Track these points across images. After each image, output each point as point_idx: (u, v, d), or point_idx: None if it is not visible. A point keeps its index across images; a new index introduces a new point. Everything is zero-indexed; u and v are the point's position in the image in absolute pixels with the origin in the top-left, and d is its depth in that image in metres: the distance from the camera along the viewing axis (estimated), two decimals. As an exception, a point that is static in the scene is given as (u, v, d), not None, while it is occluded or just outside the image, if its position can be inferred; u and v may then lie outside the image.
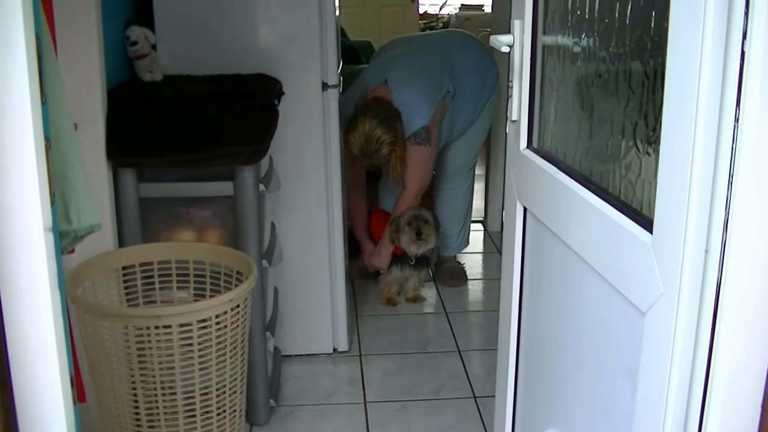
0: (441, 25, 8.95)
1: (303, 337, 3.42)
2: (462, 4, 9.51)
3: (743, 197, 1.18)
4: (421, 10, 9.33)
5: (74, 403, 1.27)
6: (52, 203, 1.26)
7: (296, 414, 3.02)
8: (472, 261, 4.60)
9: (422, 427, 2.94)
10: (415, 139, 3.67)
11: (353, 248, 3.94)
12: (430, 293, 4.13)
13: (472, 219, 5.16)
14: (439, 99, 3.69)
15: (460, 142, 4.02)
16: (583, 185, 1.68)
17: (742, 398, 1.26)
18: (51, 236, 1.24)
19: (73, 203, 1.82)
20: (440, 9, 9.73)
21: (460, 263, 4.37)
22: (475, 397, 3.12)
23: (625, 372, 1.50)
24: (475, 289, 4.23)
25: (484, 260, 4.70)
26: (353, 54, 6.45)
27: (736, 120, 1.17)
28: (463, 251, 4.45)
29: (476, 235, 5.02)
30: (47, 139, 1.27)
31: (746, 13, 1.13)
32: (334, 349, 3.48)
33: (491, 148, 4.91)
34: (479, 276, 4.40)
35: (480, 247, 4.88)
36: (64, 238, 1.84)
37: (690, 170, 1.22)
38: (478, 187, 5.37)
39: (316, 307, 3.40)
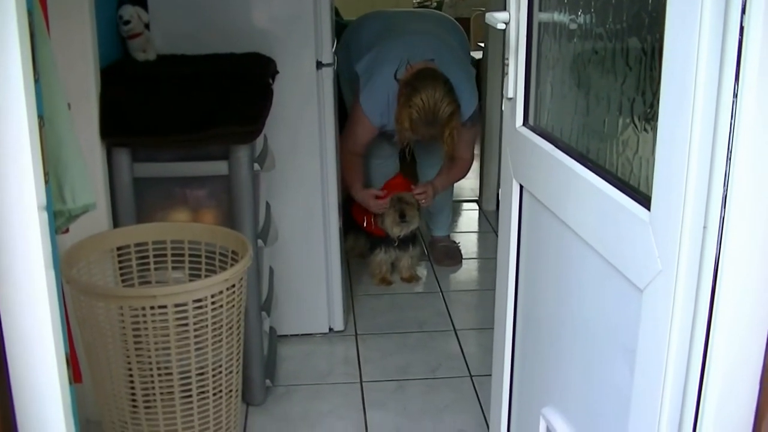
0: (435, 4, 8.90)
1: (299, 316, 3.42)
2: (456, -17, 9.45)
3: (742, 173, 1.18)
4: (416, -10, 9.26)
5: (70, 383, 1.27)
6: (46, 182, 1.25)
7: (292, 394, 3.02)
8: (467, 240, 4.60)
9: (418, 406, 2.94)
10: (471, 122, 3.74)
11: (347, 226, 3.93)
12: (425, 273, 4.12)
13: (468, 198, 5.17)
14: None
15: None
16: (580, 163, 1.67)
17: (740, 375, 1.26)
18: (45, 215, 1.23)
19: (68, 182, 1.81)
20: (434, -12, 9.67)
21: (455, 242, 4.37)
22: (471, 376, 3.13)
23: (623, 350, 1.50)
24: (470, 268, 4.23)
25: (479, 239, 4.70)
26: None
27: (735, 96, 1.16)
28: (457, 230, 4.45)
29: (471, 214, 5.02)
30: (41, 117, 1.26)
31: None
32: (330, 329, 3.48)
33: (486, 127, 4.89)
34: (474, 255, 4.40)
35: (475, 227, 4.88)
36: (59, 217, 1.83)
37: (688, 146, 1.21)
38: (473, 166, 5.37)
39: (311, 286, 3.39)
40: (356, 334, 3.48)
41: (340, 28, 6.71)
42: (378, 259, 3.95)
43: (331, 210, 3.32)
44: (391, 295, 3.87)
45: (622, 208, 1.45)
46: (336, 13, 7.06)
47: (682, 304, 1.29)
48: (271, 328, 3.26)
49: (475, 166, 5.21)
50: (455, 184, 4.35)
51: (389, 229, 3.86)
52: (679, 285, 1.28)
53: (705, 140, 1.20)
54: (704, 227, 1.24)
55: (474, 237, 4.74)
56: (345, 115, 3.84)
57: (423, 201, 3.89)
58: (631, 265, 1.43)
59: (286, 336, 3.41)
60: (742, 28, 1.14)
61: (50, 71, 1.71)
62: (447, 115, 3.51)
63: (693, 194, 1.23)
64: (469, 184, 5.38)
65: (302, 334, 3.44)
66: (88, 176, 1.89)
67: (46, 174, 1.24)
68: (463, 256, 4.29)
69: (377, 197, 3.86)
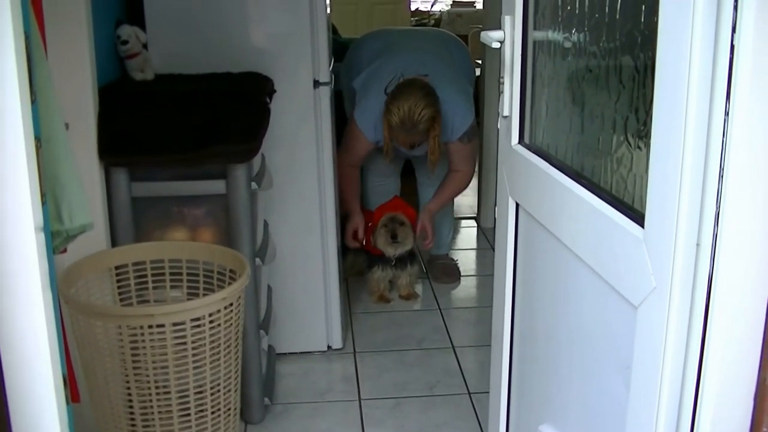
0: (433, 22, 8.94)
1: (297, 334, 3.42)
2: (453, 1, 9.50)
3: (734, 190, 1.19)
4: (413, 7, 9.32)
5: (67, 402, 1.27)
6: (43, 203, 1.25)
7: (291, 412, 3.02)
8: (466, 257, 4.60)
9: (417, 423, 2.94)
10: (467, 138, 3.74)
11: (344, 245, 3.94)
12: (423, 290, 4.12)
13: (466, 216, 5.17)
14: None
15: None
16: (575, 180, 1.68)
17: (734, 391, 1.26)
18: (42, 236, 1.24)
19: (65, 203, 1.82)
20: (432, 6, 9.73)
21: (453, 260, 4.37)
22: (469, 393, 3.12)
23: (619, 367, 1.50)
24: (468, 285, 4.24)
25: (478, 256, 4.70)
26: (345, 52, 6.44)
27: (726, 113, 1.17)
28: (456, 248, 4.45)
29: (469, 232, 5.03)
30: (37, 138, 1.27)
31: (735, 7, 1.13)
32: (329, 347, 3.47)
33: (483, 144, 4.91)
34: (473, 272, 4.40)
35: (473, 244, 4.88)
36: (56, 237, 1.84)
37: (681, 164, 1.22)
38: (471, 184, 5.38)
39: (309, 304, 3.39)
40: (355, 351, 3.48)
41: (338, 46, 6.72)
42: (375, 277, 3.95)
43: (329, 228, 3.33)
44: (390, 313, 3.87)
45: (617, 225, 1.46)
46: (334, 31, 7.10)
47: (676, 320, 1.29)
48: (270, 346, 3.26)
49: (474, 183, 5.22)
50: (455, 201, 4.36)
51: (383, 248, 3.87)
52: (673, 302, 1.29)
53: (697, 157, 1.21)
54: (697, 244, 1.25)
55: (473, 254, 4.74)
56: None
57: (426, 242, 3.96)
58: (625, 283, 1.44)
59: (284, 354, 3.41)
60: (732, 47, 1.15)
61: (47, 92, 1.72)
62: (425, 120, 3.53)
63: (686, 211, 1.24)
64: (467, 201, 5.39)
65: (301, 352, 3.44)
66: (85, 196, 1.90)
67: (42, 195, 1.25)
68: (462, 273, 4.30)
69: (355, 232, 3.93)
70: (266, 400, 2.95)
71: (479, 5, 8.43)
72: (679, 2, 1.20)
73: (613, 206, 1.51)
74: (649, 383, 1.36)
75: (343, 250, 3.91)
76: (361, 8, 8.59)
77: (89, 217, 1.90)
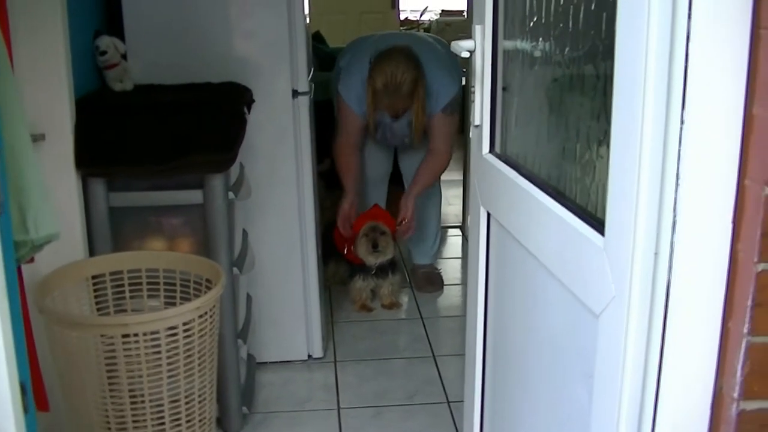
0: (422, 31, 8.96)
1: (277, 344, 3.42)
2: (442, 10, 9.52)
3: (689, 199, 1.19)
4: (402, 17, 9.33)
5: (26, 411, 1.27)
6: (1, 213, 1.26)
7: (270, 421, 3.02)
8: (450, 266, 4.61)
9: (395, 431, 2.94)
10: (450, 110, 3.76)
11: (327, 253, 3.94)
12: (406, 299, 4.13)
13: (452, 224, 5.19)
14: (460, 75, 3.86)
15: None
16: (541, 189, 1.69)
17: (691, 400, 1.27)
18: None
19: (30, 213, 1.82)
20: (421, 15, 9.74)
21: (436, 269, 4.38)
22: (448, 402, 3.13)
23: (584, 376, 1.51)
24: (451, 294, 4.24)
25: (463, 266, 4.70)
26: (330, 61, 6.44)
27: (683, 122, 1.18)
28: (441, 257, 4.46)
29: (454, 240, 5.04)
30: (-5, 148, 1.27)
31: (689, 16, 1.14)
32: (309, 356, 3.48)
33: (468, 153, 4.92)
34: (457, 281, 4.40)
35: (458, 253, 4.89)
36: (22, 247, 1.84)
37: (638, 172, 1.23)
38: (456, 193, 5.39)
39: (290, 314, 3.40)
40: (335, 360, 3.48)
41: (325, 55, 6.73)
42: (357, 286, 3.96)
43: (309, 238, 3.33)
44: (372, 322, 3.87)
45: (579, 234, 1.46)
46: (321, 40, 7.09)
47: (635, 329, 1.30)
48: (250, 356, 3.26)
49: (458, 192, 5.24)
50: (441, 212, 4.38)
51: (363, 257, 3.88)
52: (632, 310, 1.29)
53: (654, 166, 1.21)
54: (655, 253, 1.25)
55: (457, 263, 4.74)
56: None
57: (407, 229, 3.91)
58: (588, 291, 1.44)
59: (265, 363, 3.41)
60: (687, 55, 1.15)
61: (12, 103, 1.72)
62: (408, 82, 3.55)
63: (644, 220, 1.24)
64: (453, 210, 5.40)
65: (281, 362, 3.44)
66: (52, 206, 1.90)
67: (0, 204, 1.25)
68: (445, 282, 4.30)
69: (346, 218, 3.91)
70: (244, 409, 2.95)
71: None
72: (635, 11, 1.20)
73: (576, 215, 1.51)
74: (609, 393, 1.37)
75: (325, 259, 3.92)
76: (350, 18, 8.61)
77: (55, 227, 1.90)
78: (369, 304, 4.00)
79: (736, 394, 1.21)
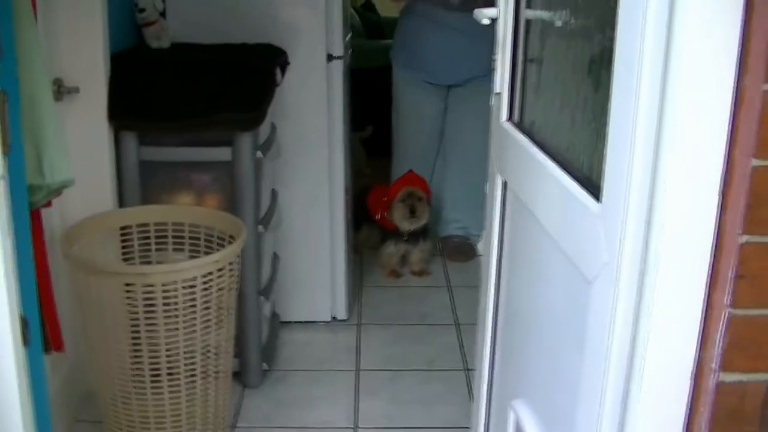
0: None
1: (302, 304, 3.47)
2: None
3: (680, 169, 1.20)
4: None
5: (26, 343, 1.32)
6: (5, 153, 1.30)
7: (289, 378, 3.07)
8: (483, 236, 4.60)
9: (410, 396, 2.99)
10: None
11: (361, 218, 3.98)
12: (435, 268, 4.15)
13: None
14: None
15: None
16: (550, 157, 1.70)
17: (675, 370, 1.28)
18: (3, 183, 1.28)
19: (47, 159, 1.87)
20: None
21: (468, 238, 4.37)
22: (466, 369, 3.16)
23: (577, 341, 1.52)
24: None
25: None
26: (379, 29, 6.45)
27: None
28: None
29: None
30: (3, 92, 1.31)
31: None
32: (333, 318, 3.52)
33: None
34: (489, 252, 4.39)
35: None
36: (38, 192, 1.90)
37: (632, 139, 1.24)
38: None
39: (316, 275, 3.44)
40: (359, 323, 3.52)
41: (372, 23, 6.71)
42: (388, 251, 3.99)
43: (337, 201, 3.37)
44: (400, 288, 3.91)
45: (577, 200, 1.47)
46: (371, 8, 7.06)
47: (625, 295, 1.30)
48: (274, 314, 3.31)
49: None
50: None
51: (399, 223, 3.90)
52: (622, 277, 1.30)
53: (649, 132, 1.22)
54: (647, 222, 1.26)
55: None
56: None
57: None
58: (583, 258, 1.46)
59: (289, 322, 3.46)
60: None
61: (32, 50, 1.77)
62: None
63: (637, 189, 1.25)
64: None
65: (306, 321, 3.49)
66: (68, 153, 1.95)
67: (5, 145, 1.30)
68: (478, 253, 4.30)
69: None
70: (265, 365, 3.00)
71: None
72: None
73: (579, 182, 1.52)
74: (598, 360, 1.38)
75: (358, 224, 3.95)
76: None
77: (70, 174, 1.96)
78: (398, 270, 4.03)
79: (715, 366, 1.21)
